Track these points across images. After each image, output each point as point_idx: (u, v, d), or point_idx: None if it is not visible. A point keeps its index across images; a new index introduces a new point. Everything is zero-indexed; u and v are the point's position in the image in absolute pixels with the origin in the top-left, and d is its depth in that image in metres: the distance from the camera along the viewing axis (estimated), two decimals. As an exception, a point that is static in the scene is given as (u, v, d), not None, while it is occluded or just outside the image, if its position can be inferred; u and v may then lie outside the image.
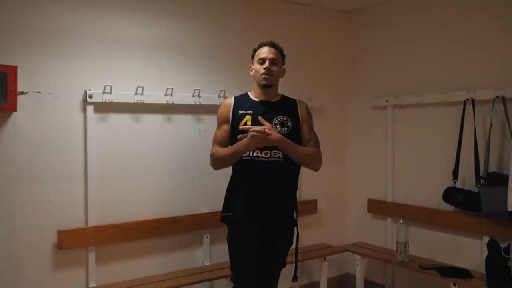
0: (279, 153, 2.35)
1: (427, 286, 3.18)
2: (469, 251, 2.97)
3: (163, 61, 2.95)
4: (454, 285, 2.70)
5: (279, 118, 2.41)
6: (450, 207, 3.03)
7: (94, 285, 2.66)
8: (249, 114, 2.40)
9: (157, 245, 2.92)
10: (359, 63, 3.80)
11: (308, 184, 3.58)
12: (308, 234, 3.45)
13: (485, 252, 2.67)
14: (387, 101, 3.49)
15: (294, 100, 2.55)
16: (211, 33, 3.15)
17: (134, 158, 2.84)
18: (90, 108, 2.66)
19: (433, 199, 3.16)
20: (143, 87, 2.78)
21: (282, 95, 2.54)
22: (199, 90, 3.00)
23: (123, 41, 2.80)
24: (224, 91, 3.08)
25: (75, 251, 2.64)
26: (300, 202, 3.46)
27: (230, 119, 2.43)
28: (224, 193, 2.48)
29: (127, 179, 2.82)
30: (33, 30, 2.51)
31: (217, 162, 2.42)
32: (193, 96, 2.99)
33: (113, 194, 2.76)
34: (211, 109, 3.05)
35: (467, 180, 2.96)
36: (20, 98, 2.44)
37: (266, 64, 2.40)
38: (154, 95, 2.86)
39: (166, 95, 2.89)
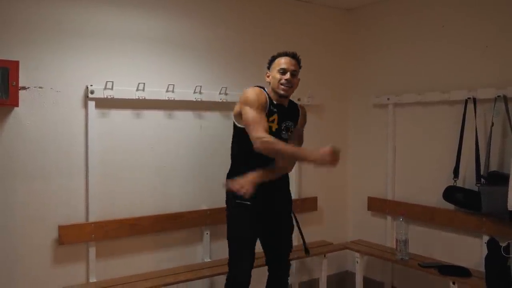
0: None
1: (426, 284, 3.19)
2: (469, 250, 2.98)
3: (165, 57, 2.95)
4: (454, 283, 2.70)
5: (287, 123, 2.53)
6: (450, 206, 3.04)
7: (94, 280, 2.67)
8: (276, 113, 2.47)
9: (157, 241, 2.93)
10: (360, 61, 3.79)
11: (309, 181, 3.58)
12: (308, 231, 3.44)
13: (485, 251, 2.67)
14: (388, 99, 3.48)
15: (297, 105, 2.67)
16: (212, 30, 3.14)
17: (135, 153, 2.85)
18: (91, 104, 2.66)
19: (433, 197, 3.16)
20: (144, 83, 2.78)
21: (289, 100, 2.61)
22: (200, 86, 3.00)
23: (125, 37, 2.80)
24: (226, 87, 3.08)
25: (76, 246, 2.65)
26: (300, 200, 3.50)
27: (267, 110, 2.44)
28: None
29: (128, 175, 2.82)
30: (34, 26, 2.51)
31: (272, 152, 2.31)
32: (194, 92, 2.99)
33: (113, 190, 2.77)
34: (212, 106, 3.08)
35: (467, 179, 2.96)
36: (21, 93, 2.45)
37: (288, 76, 2.44)
38: (156, 91, 2.86)
39: (167, 91, 2.89)
